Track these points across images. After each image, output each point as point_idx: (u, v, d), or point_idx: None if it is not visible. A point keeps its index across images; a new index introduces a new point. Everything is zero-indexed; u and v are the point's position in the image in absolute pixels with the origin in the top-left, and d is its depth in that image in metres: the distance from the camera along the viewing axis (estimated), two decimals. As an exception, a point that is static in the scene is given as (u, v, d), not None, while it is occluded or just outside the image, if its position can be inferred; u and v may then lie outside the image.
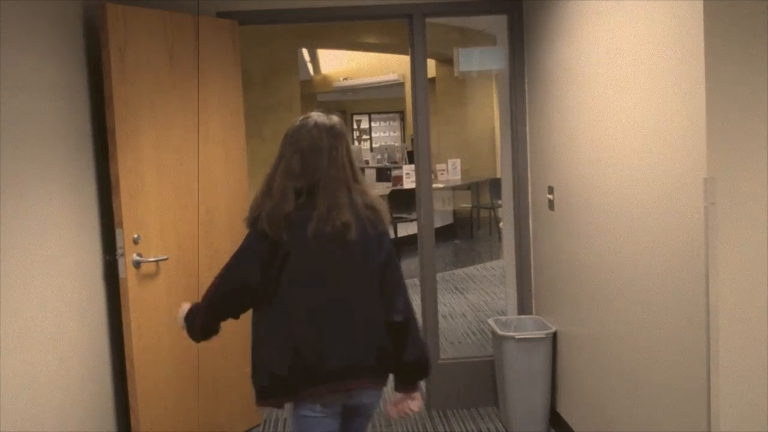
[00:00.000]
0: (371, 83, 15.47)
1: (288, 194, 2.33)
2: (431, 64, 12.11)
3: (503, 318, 4.41)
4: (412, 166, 8.12)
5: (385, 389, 2.53)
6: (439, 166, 10.90)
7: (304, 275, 2.35)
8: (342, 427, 2.45)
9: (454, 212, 11.82)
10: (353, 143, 19.47)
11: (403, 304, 2.44)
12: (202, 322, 2.47)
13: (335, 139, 2.39)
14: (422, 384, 2.40)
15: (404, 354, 2.44)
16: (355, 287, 2.38)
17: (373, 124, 21.26)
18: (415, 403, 2.54)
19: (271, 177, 2.39)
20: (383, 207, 2.45)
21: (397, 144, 16.05)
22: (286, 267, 2.33)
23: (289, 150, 2.39)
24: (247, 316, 2.51)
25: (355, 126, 21.26)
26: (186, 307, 2.55)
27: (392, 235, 10.04)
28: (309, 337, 2.32)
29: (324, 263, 2.36)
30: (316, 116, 2.43)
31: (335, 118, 2.45)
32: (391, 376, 2.51)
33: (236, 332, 3.24)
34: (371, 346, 2.38)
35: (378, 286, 2.41)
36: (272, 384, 2.36)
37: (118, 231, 3.48)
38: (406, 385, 2.53)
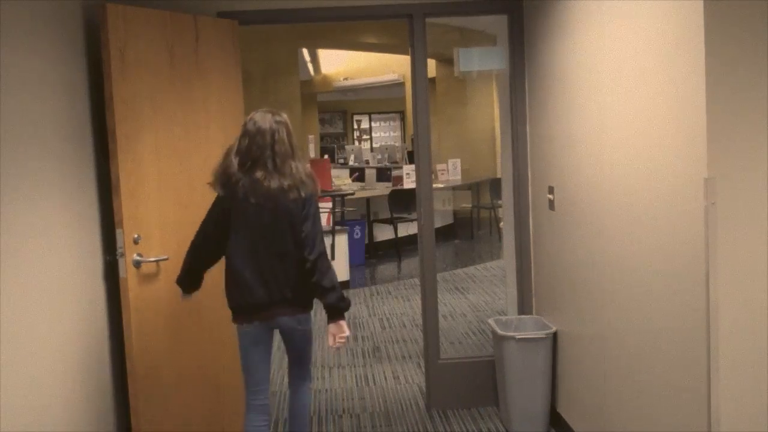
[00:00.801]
0: (371, 83, 15.48)
1: (234, 163, 3.11)
2: (431, 64, 12.11)
3: (503, 318, 4.41)
4: (413, 166, 8.15)
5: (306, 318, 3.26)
6: (439, 166, 10.90)
7: (244, 227, 3.13)
8: (286, 347, 3.37)
9: (455, 212, 11.82)
10: (353, 143, 19.65)
11: (316, 248, 3.11)
12: (184, 265, 3.32)
13: (278, 124, 3.14)
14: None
15: (319, 281, 3.11)
16: (280, 237, 3.11)
17: (373, 124, 21.25)
18: (341, 331, 3.16)
19: (227, 153, 3.18)
20: (313, 177, 3.19)
21: (397, 144, 16.06)
22: (232, 221, 3.14)
23: (242, 133, 3.16)
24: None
25: (355, 126, 21.26)
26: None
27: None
28: (245, 278, 3.12)
29: (260, 218, 3.10)
30: (264, 109, 3.19)
31: (282, 112, 3.20)
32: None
33: (236, 332, 3.25)
34: (289, 284, 3.13)
35: (299, 236, 3.11)
36: (232, 309, 3.22)
37: (118, 231, 3.48)
38: (331, 316, 3.17)
